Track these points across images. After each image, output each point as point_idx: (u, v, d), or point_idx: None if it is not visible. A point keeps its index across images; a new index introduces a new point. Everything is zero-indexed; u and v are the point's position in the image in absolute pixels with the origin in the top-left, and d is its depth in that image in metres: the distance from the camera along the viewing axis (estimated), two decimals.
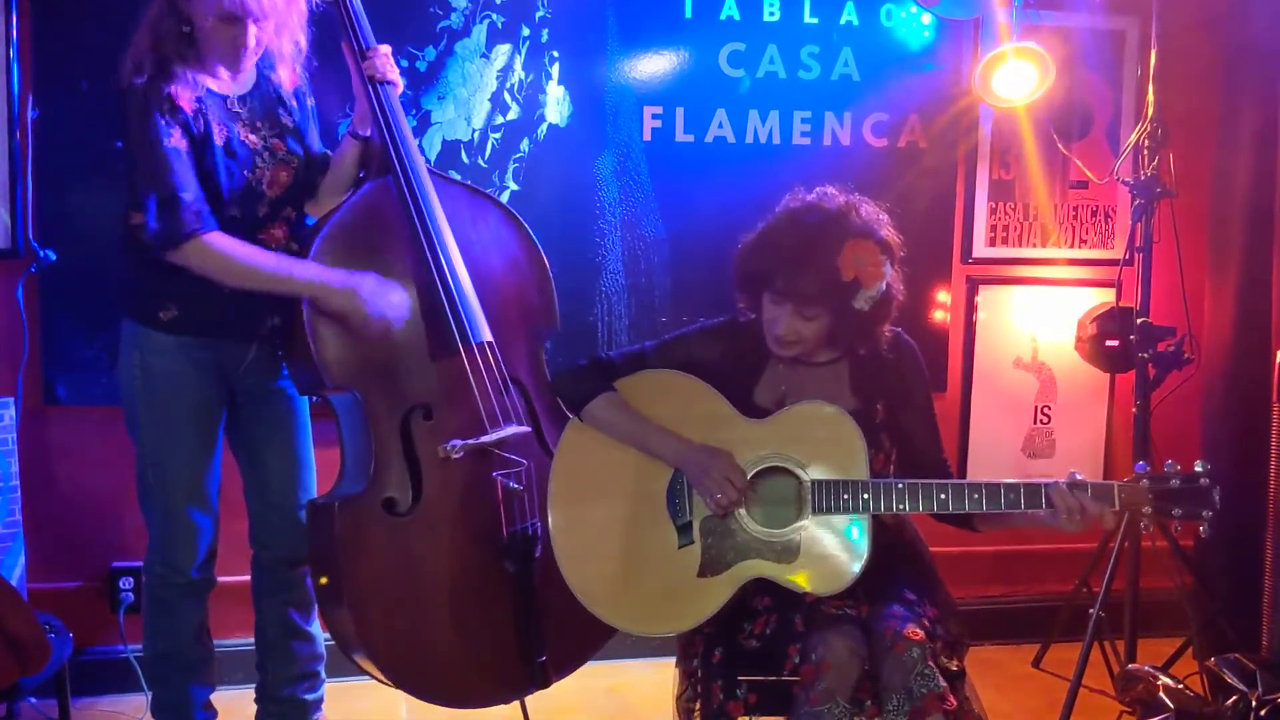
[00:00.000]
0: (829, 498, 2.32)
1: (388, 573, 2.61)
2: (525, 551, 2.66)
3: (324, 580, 2.65)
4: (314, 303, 2.58)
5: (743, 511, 2.37)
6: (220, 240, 2.55)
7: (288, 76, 2.72)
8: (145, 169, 2.50)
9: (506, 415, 2.72)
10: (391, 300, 2.63)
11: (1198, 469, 2.27)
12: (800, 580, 2.32)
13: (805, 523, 2.34)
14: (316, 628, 2.93)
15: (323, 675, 2.97)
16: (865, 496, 2.30)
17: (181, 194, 2.49)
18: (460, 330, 2.67)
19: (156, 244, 2.52)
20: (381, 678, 2.66)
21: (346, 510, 2.59)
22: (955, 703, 2.17)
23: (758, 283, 2.39)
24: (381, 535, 2.61)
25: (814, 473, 2.34)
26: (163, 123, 2.48)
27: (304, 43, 2.70)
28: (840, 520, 2.32)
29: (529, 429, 2.76)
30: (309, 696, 2.93)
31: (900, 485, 2.31)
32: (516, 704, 2.78)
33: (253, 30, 2.54)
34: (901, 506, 2.30)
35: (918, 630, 2.20)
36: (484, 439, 2.65)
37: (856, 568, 2.30)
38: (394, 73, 2.76)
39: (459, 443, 2.63)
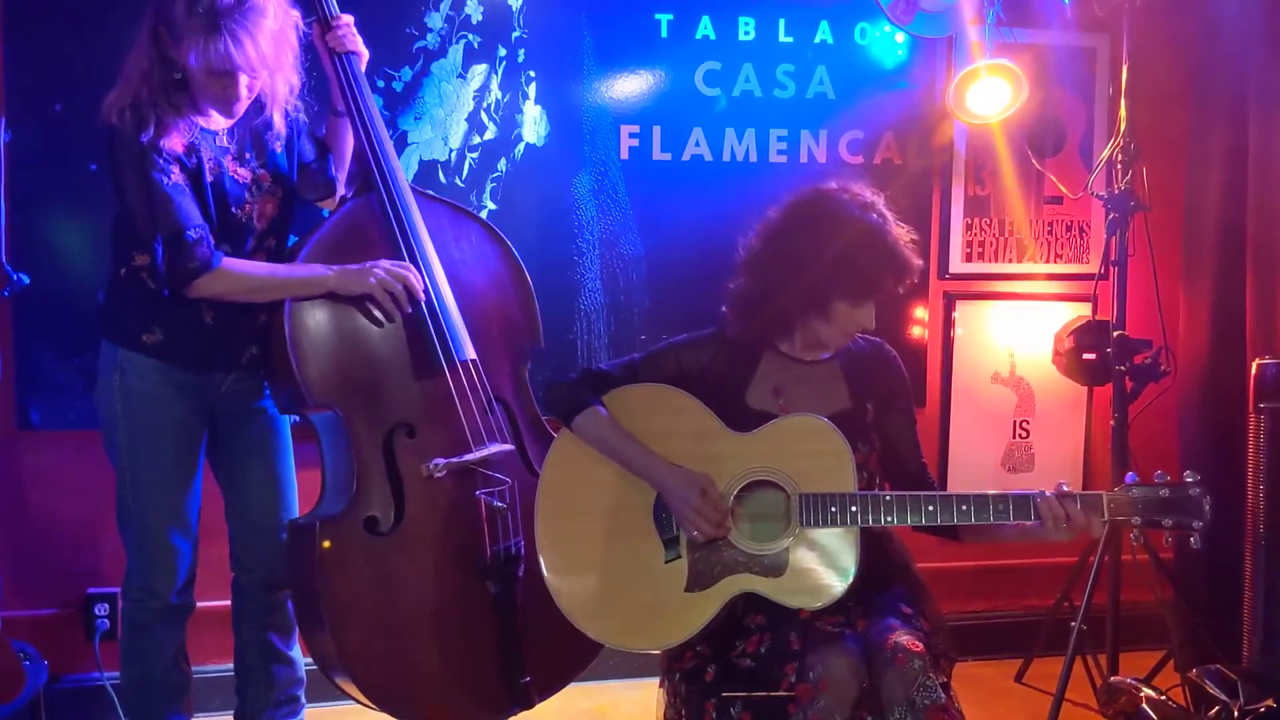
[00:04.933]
0: (817, 511, 2.31)
1: (369, 593, 2.59)
2: (508, 571, 2.65)
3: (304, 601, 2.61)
4: (335, 293, 2.60)
5: (730, 525, 2.37)
6: (234, 264, 2.58)
7: (279, 117, 2.69)
8: (147, 211, 2.50)
9: (491, 433, 2.71)
10: (409, 276, 2.63)
11: (1187, 478, 2.26)
12: (789, 594, 2.31)
13: (793, 536, 2.33)
14: (297, 652, 2.89)
15: (302, 700, 2.93)
16: (853, 509, 2.29)
17: (187, 232, 2.50)
18: (445, 348, 2.67)
19: (169, 284, 2.53)
20: (363, 700, 2.63)
21: (328, 530, 2.56)
22: (957, 715, 2.17)
23: (845, 276, 2.36)
24: (363, 555, 2.59)
25: (802, 486, 2.34)
26: (160, 162, 2.49)
27: (297, 83, 2.67)
28: (828, 533, 2.31)
29: (513, 447, 2.74)
30: None
31: (888, 497, 2.30)
32: None
33: (244, 80, 2.54)
34: (890, 518, 2.30)
35: (917, 642, 2.20)
36: (468, 457, 2.64)
37: (845, 581, 2.29)
38: (358, 42, 2.75)
39: (442, 461, 2.62)
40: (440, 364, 2.66)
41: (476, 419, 2.68)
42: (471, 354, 2.71)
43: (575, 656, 2.75)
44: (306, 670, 2.90)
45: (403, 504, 2.62)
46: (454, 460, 2.62)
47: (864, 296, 2.39)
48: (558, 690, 2.79)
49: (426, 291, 2.66)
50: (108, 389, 2.66)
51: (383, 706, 2.62)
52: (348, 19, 2.75)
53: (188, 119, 2.56)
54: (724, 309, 2.52)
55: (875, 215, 2.38)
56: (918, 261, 2.41)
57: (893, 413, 2.51)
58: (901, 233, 2.40)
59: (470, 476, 2.66)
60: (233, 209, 2.62)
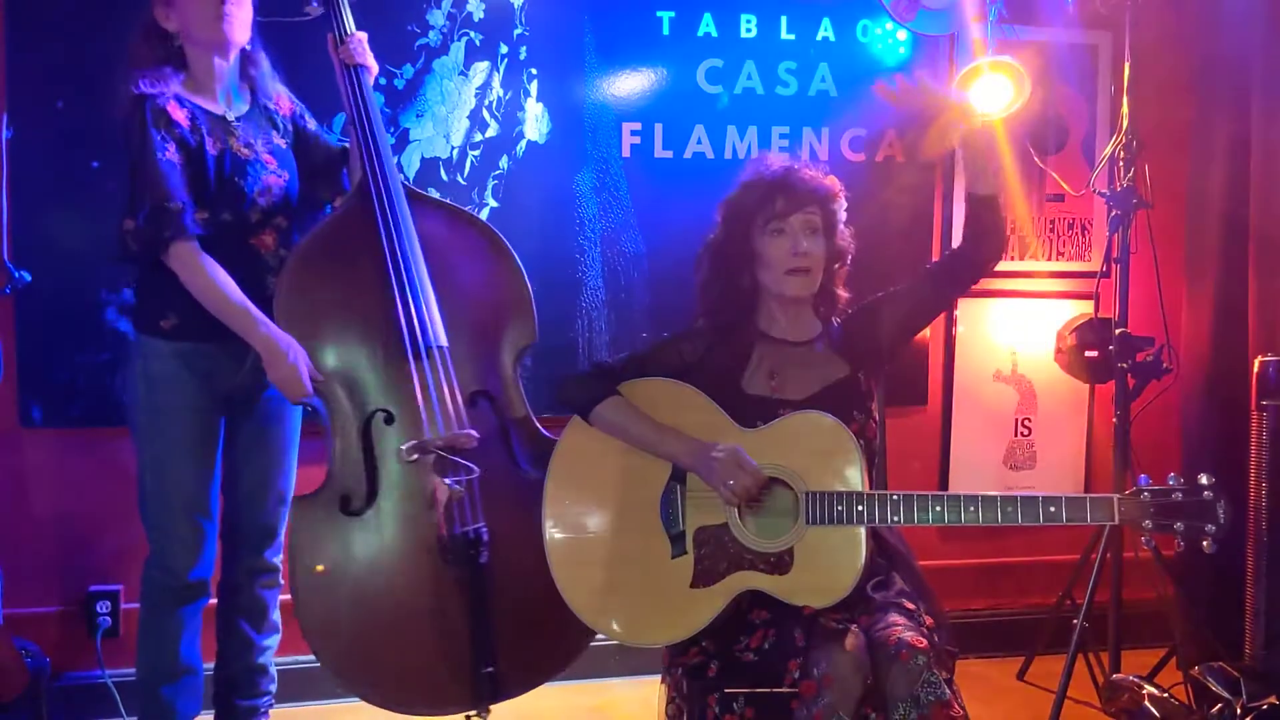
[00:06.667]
0: (823, 509, 2.31)
1: (336, 569, 2.65)
2: (468, 555, 2.64)
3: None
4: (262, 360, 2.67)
5: (737, 522, 2.37)
6: (197, 252, 2.64)
7: (241, 30, 2.73)
8: (141, 179, 2.62)
9: (460, 421, 2.72)
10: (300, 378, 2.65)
11: (1202, 481, 2.22)
12: (794, 592, 2.30)
13: (799, 534, 2.33)
14: (275, 619, 2.95)
15: (271, 671, 2.97)
16: (859, 508, 2.29)
17: (169, 203, 2.60)
18: (412, 333, 2.70)
19: (140, 244, 2.62)
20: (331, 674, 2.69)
21: (301, 505, 2.67)
22: (961, 712, 2.17)
23: (752, 217, 2.47)
24: (333, 532, 2.66)
25: (809, 484, 2.34)
26: (158, 137, 2.61)
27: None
28: (834, 532, 2.31)
29: (477, 434, 2.72)
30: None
31: (895, 497, 2.30)
32: None
33: None
34: (896, 518, 2.30)
35: (921, 638, 2.20)
36: (428, 439, 2.67)
37: (851, 580, 2.29)
38: (368, 58, 2.87)
39: (407, 445, 2.67)
40: (406, 350, 2.69)
41: (448, 405, 2.70)
42: (442, 340, 2.73)
43: (553, 655, 2.73)
44: (307, 668, 2.92)
45: (375, 486, 2.67)
46: (414, 443, 2.66)
47: (769, 218, 2.45)
48: (530, 688, 2.74)
49: (403, 282, 2.70)
50: (132, 375, 2.76)
51: (340, 680, 2.69)
52: (361, 35, 2.86)
53: (186, 89, 2.68)
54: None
55: (772, 157, 2.55)
56: (807, 174, 2.49)
57: (890, 306, 2.54)
58: (798, 166, 2.52)
59: (444, 464, 2.68)
60: (235, 178, 2.71)
